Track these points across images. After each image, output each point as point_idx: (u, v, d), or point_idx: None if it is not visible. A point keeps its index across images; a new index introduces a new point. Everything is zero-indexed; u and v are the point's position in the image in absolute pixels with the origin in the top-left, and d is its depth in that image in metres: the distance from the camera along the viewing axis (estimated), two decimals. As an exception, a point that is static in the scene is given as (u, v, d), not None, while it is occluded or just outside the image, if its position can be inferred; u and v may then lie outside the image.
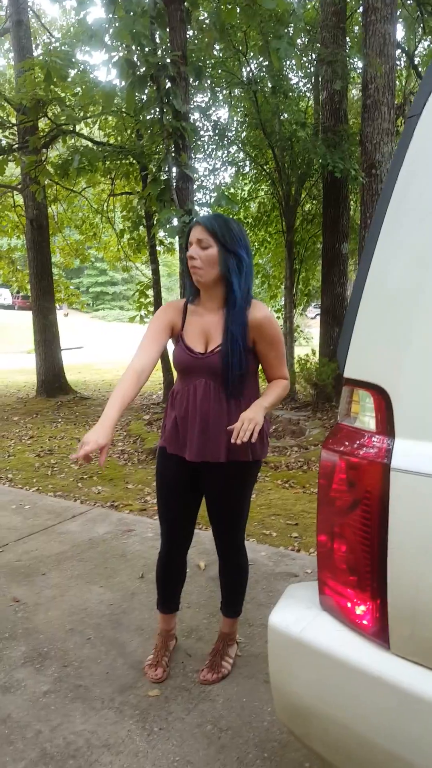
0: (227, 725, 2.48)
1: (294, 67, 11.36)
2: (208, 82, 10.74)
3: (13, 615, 3.39)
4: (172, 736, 2.42)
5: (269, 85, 10.25)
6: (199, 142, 11.33)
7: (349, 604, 1.55)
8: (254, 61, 11.11)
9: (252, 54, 10.80)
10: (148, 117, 8.10)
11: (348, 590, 1.55)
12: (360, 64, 10.06)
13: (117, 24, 6.31)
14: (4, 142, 9.85)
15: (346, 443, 1.57)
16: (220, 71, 10.87)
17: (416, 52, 13.06)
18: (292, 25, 8.17)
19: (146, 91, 7.05)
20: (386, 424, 1.48)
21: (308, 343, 14.24)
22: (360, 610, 1.52)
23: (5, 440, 8.25)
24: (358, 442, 1.54)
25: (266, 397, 2.51)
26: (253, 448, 2.56)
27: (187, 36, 7.33)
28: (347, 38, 10.63)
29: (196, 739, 2.41)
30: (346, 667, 1.47)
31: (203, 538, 4.27)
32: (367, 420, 1.54)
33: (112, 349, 26.15)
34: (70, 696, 2.68)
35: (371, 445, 1.50)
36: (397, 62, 10.72)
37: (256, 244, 13.68)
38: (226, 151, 12.36)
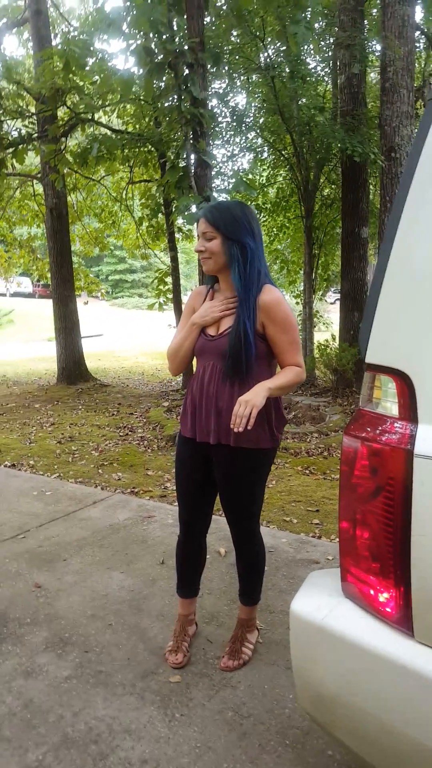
0: (249, 712, 2.48)
1: (312, 51, 11.25)
2: (226, 68, 10.65)
3: (34, 600, 3.42)
4: (194, 722, 2.43)
5: (287, 70, 10.15)
6: (217, 129, 11.28)
7: (372, 592, 1.54)
8: (272, 47, 11.01)
9: (269, 39, 10.70)
10: (166, 104, 8.06)
11: (371, 577, 1.53)
12: (378, 47, 9.93)
13: (134, 12, 6.29)
14: (23, 132, 9.86)
15: (368, 429, 1.56)
16: (237, 57, 10.80)
17: (436, 34, 12.86)
18: (309, 9, 8.09)
19: (164, 78, 7.01)
20: (409, 410, 1.47)
21: (328, 329, 14.17)
22: (383, 597, 1.51)
23: (27, 427, 8.30)
24: (380, 428, 1.53)
25: (273, 379, 2.49)
26: (258, 436, 2.54)
27: (205, 22, 7.27)
28: (365, 21, 10.49)
29: (218, 725, 2.41)
30: (370, 655, 1.46)
31: (223, 524, 4.25)
32: (390, 405, 1.53)
33: (132, 336, 26.17)
34: (92, 681, 2.70)
35: (394, 431, 1.49)
36: (416, 44, 10.55)
37: (274, 229, 13.62)
38: (244, 137, 12.29)
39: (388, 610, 1.50)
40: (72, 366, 12.21)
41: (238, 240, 2.48)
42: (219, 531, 4.15)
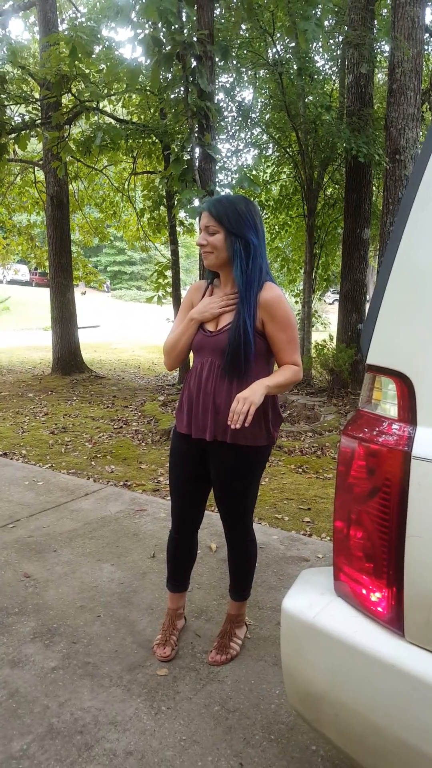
0: (235, 706, 2.49)
1: (320, 49, 11.23)
2: (234, 62, 10.63)
3: (23, 590, 3.41)
4: (180, 715, 2.43)
5: (295, 66, 10.12)
6: (222, 123, 11.24)
7: (364, 591, 1.54)
8: (280, 43, 10.98)
9: (279, 35, 10.67)
10: (173, 96, 8.03)
11: (363, 577, 1.54)
12: (387, 48, 9.91)
13: (144, 0, 6.25)
14: (27, 117, 9.83)
15: (366, 430, 1.55)
16: (246, 51, 10.76)
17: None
18: (320, 6, 8.06)
19: (171, 69, 6.98)
20: (408, 412, 1.46)
21: (326, 329, 14.17)
22: (375, 597, 1.51)
23: (20, 416, 8.28)
24: (378, 429, 1.53)
25: (271, 377, 2.48)
26: (254, 434, 2.54)
27: (215, 14, 7.24)
28: (375, 21, 10.47)
29: (204, 719, 2.41)
30: (360, 654, 1.47)
31: (215, 520, 4.26)
32: (389, 407, 1.52)
33: (129, 329, 26.15)
34: (79, 673, 2.69)
35: (392, 433, 1.48)
36: (425, 46, 10.53)
37: (276, 227, 13.61)
38: (249, 133, 12.25)
39: (379, 609, 1.50)
40: (67, 356, 12.19)
41: (241, 236, 2.46)
42: (211, 526, 4.15)
